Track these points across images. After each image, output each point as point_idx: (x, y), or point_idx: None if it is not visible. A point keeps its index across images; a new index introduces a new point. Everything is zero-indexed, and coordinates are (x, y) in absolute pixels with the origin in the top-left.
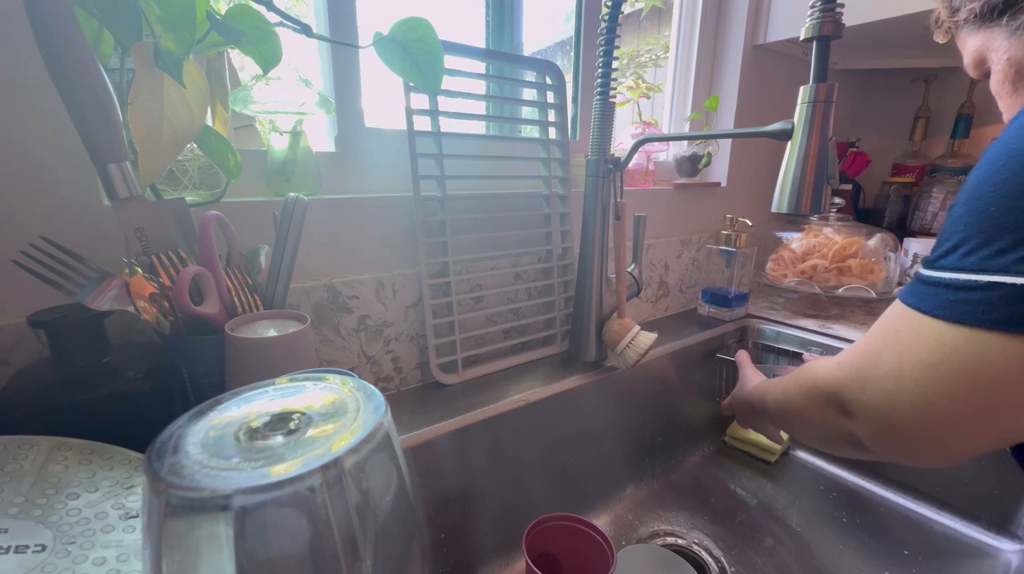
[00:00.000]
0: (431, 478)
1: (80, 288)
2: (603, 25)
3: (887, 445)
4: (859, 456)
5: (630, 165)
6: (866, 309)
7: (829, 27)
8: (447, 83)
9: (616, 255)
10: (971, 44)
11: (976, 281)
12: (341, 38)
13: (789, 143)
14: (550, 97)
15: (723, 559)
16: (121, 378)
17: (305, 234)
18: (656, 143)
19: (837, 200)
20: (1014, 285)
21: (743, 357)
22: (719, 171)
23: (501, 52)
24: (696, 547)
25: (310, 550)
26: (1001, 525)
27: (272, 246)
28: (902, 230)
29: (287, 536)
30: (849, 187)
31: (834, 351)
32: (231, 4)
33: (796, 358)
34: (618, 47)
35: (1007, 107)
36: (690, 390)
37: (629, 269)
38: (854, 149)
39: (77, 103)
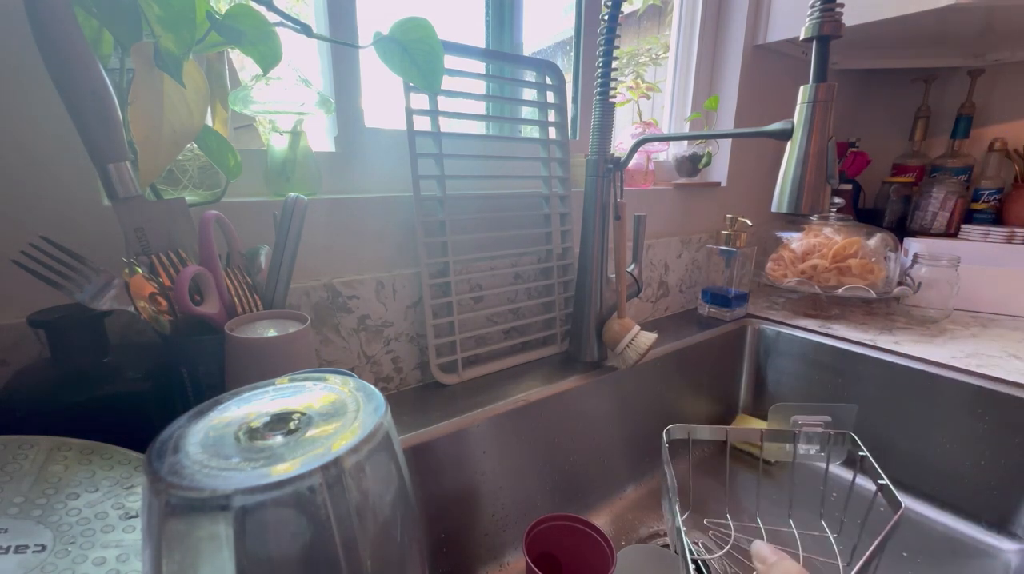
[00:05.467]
0: (431, 478)
1: (80, 288)
2: (603, 25)
3: None
4: None
5: (630, 165)
6: (866, 309)
7: (829, 27)
8: (447, 83)
9: (616, 255)
10: None
11: None
12: (341, 38)
13: (789, 143)
14: (550, 97)
15: (724, 559)
16: (121, 378)
17: (305, 234)
18: (656, 143)
19: (837, 200)
20: None
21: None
22: (719, 171)
23: (501, 52)
24: (696, 547)
25: (310, 550)
26: (1001, 525)
27: (272, 246)
28: (902, 230)
29: (287, 536)
30: (849, 187)
31: (833, 351)
32: (231, 4)
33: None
34: (618, 47)
35: None
36: (690, 390)
37: (629, 269)
38: (854, 149)
39: (77, 103)
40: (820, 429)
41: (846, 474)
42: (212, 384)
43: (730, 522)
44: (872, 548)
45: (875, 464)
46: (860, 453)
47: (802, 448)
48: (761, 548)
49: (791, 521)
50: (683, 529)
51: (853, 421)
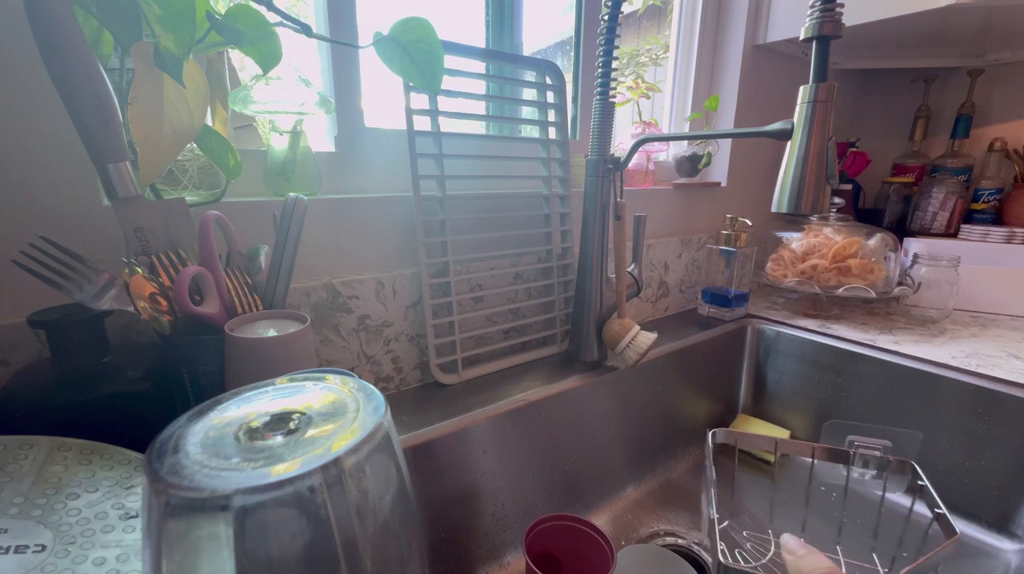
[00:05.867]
0: (431, 478)
1: (80, 288)
2: (603, 25)
3: None
4: None
5: (630, 165)
6: (866, 309)
7: (829, 27)
8: (447, 83)
9: (616, 255)
10: None
11: None
12: (341, 38)
13: (789, 143)
14: (550, 97)
15: (723, 559)
16: (121, 378)
17: (305, 234)
18: (656, 143)
19: (837, 200)
20: None
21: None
22: (719, 171)
23: (501, 52)
24: (696, 547)
25: (310, 550)
26: (1001, 525)
27: (272, 246)
28: (902, 230)
29: (287, 536)
30: (849, 187)
31: (833, 351)
32: (231, 4)
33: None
34: (618, 47)
35: None
36: (690, 390)
37: (629, 269)
38: (854, 149)
39: (77, 103)
40: (878, 453)
41: (876, 492)
42: (212, 384)
43: (772, 538)
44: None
45: (934, 493)
46: (919, 482)
47: (856, 472)
48: (789, 540)
49: (838, 548)
50: (716, 518)
51: (917, 449)
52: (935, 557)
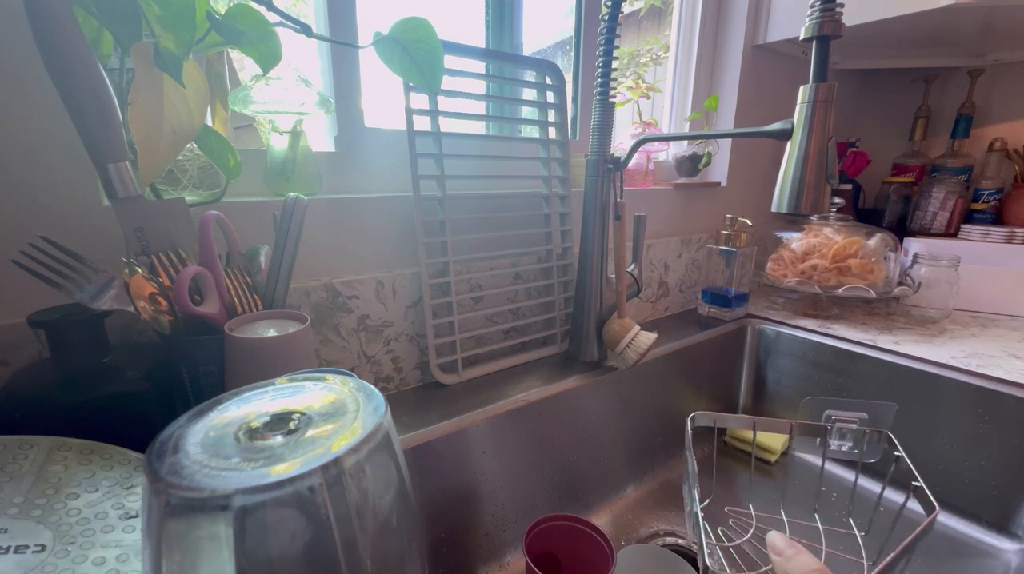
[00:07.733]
0: (431, 478)
1: (80, 288)
2: (603, 25)
3: None
4: None
5: (630, 165)
6: (866, 309)
7: (829, 27)
8: (447, 83)
9: (616, 255)
10: None
11: None
12: (341, 38)
13: (789, 143)
14: (550, 97)
15: (723, 559)
16: (121, 378)
17: (305, 234)
18: (656, 143)
19: (837, 200)
20: None
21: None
22: (719, 171)
23: (501, 52)
24: (696, 547)
25: (310, 550)
26: (1001, 525)
27: (272, 246)
28: (902, 230)
29: (287, 536)
30: (849, 187)
31: (833, 351)
32: (231, 4)
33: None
34: (618, 47)
35: None
36: (690, 390)
37: (629, 269)
38: (854, 149)
39: (77, 103)
40: (855, 426)
41: (851, 474)
42: (212, 384)
43: (752, 511)
44: (899, 549)
45: (911, 465)
46: (896, 453)
47: (834, 444)
48: (776, 540)
49: (816, 517)
50: (701, 515)
51: (891, 420)
52: (916, 539)
